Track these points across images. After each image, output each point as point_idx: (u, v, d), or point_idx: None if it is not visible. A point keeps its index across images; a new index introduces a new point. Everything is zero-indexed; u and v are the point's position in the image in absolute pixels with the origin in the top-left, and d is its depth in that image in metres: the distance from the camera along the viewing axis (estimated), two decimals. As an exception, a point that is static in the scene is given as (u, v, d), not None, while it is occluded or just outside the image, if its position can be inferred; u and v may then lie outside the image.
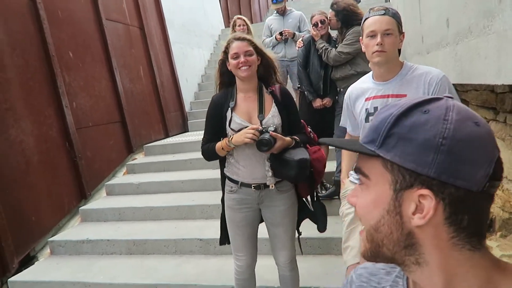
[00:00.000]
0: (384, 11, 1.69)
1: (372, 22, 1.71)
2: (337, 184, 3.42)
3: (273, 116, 1.99)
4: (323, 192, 3.55)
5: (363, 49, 1.79)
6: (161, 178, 4.61)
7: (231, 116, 1.98)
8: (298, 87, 3.80)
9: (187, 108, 7.11)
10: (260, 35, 5.88)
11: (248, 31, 4.82)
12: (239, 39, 1.97)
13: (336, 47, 3.33)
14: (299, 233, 2.25)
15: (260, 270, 2.49)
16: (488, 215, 0.57)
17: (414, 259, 0.57)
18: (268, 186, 2.01)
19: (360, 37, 1.81)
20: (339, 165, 3.45)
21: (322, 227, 2.20)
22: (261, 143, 1.84)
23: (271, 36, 4.94)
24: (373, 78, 1.85)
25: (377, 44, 1.67)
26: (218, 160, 2.14)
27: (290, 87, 5.16)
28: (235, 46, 1.94)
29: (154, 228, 3.76)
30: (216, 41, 9.07)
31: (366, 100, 1.83)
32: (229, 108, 1.99)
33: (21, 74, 3.74)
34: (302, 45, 3.61)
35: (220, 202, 2.24)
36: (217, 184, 2.21)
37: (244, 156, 2.00)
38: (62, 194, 4.07)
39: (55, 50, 4.15)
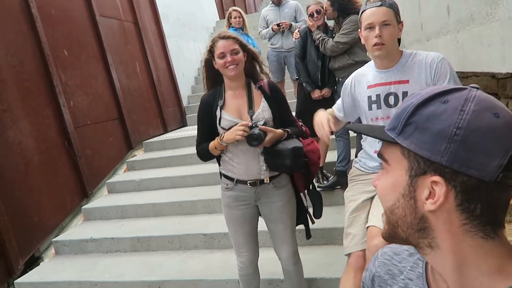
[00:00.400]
0: (380, 2, 1.68)
1: (369, 14, 1.70)
2: (339, 174, 3.42)
3: (263, 111, 1.98)
4: (325, 182, 3.55)
5: (363, 42, 1.79)
6: (162, 174, 4.60)
7: (221, 115, 1.98)
8: (296, 78, 3.78)
9: (184, 102, 7.08)
10: (255, 26, 5.83)
11: (243, 23, 4.79)
12: (224, 37, 1.95)
13: (333, 37, 3.30)
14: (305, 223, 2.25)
15: (265, 263, 2.51)
16: (506, 205, 0.57)
17: (427, 242, 0.60)
18: (264, 181, 2.01)
19: (359, 30, 1.81)
20: (339, 155, 3.46)
21: (318, 214, 2.21)
22: (251, 138, 1.84)
23: (268, 27, 4.90)
24: (375, 66, 1.85)
25: (376, 36, 1.67)
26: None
27: (288, 77, 5.14)
28: (221, 45, 1.92)
29: (157, 224, 3.77)
30: (211, 34, 9.00)
31: (368, 87, 1.83)
32: (218, 107, 1.99)
33: (17, 74, 3.70)
34: (298, 36, 3.58)
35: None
36: (219, 178, 2.21)
37: (238, 153, 2.00)
38: (63, 193, 4.06)
39: (49, 49, 4.11)
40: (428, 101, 0.58)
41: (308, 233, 2.28)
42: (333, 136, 3.50)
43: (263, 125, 1.88)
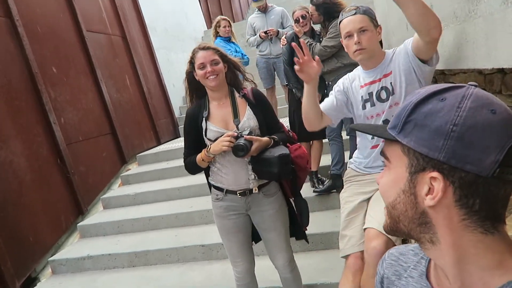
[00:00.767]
0: (355, 11, 1.78)
1: (346, 23, 1.79)
2: (334, 178, 3.42)
3: (248, 119, 1.98)
4: (320, 187, 3.54)
5: (346, 49, 1.86)
6: (157, 186, 4.58)
7: (206, 126, 1.98)
8: (286, 84, 3.78)
9: (176, 113, 7.07)
10: (243, 33, 5.86)
11: (231, 33, 4.81)
12: (204, 48, 1.97)
13: (320, 42, 3.32)
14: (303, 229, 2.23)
15: (264, 271, 2.49)
16: (505, 200, 0.58)
17: (428, 237, 0.62)
18: (253, 191, 2.00)
19: (341, 38, 1.87)
20: (333, 158, 3.46)
21: (305, 222, 2.19)
22: (237, 149, 1.83)
23: (255, 34, 4.93)
24: (362, 68, 1.91)
25: (355, 43, 1.75)
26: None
27: (278, 83, 5.16)
28: (201, 56, 1.94)
29: (154, 238, 3.74)
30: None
31: (360, 87, 1.88)
32: (203, 118, 1.99)
33: (5, 93, 3.67)
34: (286, 43, 3.59)
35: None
36: (214, 188, 2.20)
37: (226, 164, 1.99)
38: (58, 211, 4.01)
39: (37, 66, 4.08)
40: (426, 99, 0.59)
41: (306, 239, 2.27)
42: (326, 140, 3.50)
43: (248, 134, 1.88)
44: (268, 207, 2.05)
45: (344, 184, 2.09)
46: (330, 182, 3.47)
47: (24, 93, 3.90)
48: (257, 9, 5.02)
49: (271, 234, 2.10)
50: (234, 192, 2.01)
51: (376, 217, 1.75)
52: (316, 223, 3.03)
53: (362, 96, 1.87)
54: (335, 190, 3.43)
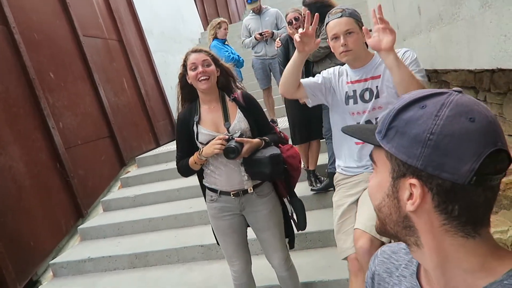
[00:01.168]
0: (341, 14, 1.81)
1: (333, 26, 1.83)
2: (331, 176, 3.45)
3: (239, 122, 2.01)
4: (318, 185, 3.58)
5: (332, 50, 1.90)
6: (157, 188, 4.61)
7: (197, 130, 2.01)
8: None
9: (174, 115, 7.09)
10: (240, 35, 5.89)
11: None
12: (196, 51, 2.00)
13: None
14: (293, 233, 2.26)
15: (262, 270, 2.52)
16: (487, 206, 0.59)
17: (414, 240, 0.63)
18: (247, 191, 2.04)
19: (327, 40, 1.91)
20: (330, 157, 3.49)
21: (302, 225, 2.20)
22: (228, 151, 1.86)
23: (250, 36, 4.96)
24: (349, 67, 1.96)
25: (341, 45, 1.79)
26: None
27: (274, 84, 5.19)
28: (193, 58, 1.97)
29: (154, 239, 3.77)
30: (196, 45, 9.04)
31: (347, 83, 1.93)
32: (195, 122, 2.02)
33: (3, 100, 3.71)
34: (280, 44, 3.62)
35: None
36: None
37: (219, 165, 2.03)
38: (58, 215, 4.05)
39: (35, 73, 4.12)
40: (408, 106, 0.60)
41: (292, 243, 2.29)
42: (323, 140, 3.53)
43: (239, 136, 1.91)
44: (261, 207, 2.08)
45: (335, 187, 2.13)
46: (328, 181, 3.50)
47: (22, 99, 3.93)
48: (252, 11, 5.06)
49: (265, 234, 2.13)
50: (227, 193, 2.05)
51: (360, 218, 1.80)
52: (314, 221, 3.07)
53: (346, 92, 1.92)
54: (332, 188, 3.45)
